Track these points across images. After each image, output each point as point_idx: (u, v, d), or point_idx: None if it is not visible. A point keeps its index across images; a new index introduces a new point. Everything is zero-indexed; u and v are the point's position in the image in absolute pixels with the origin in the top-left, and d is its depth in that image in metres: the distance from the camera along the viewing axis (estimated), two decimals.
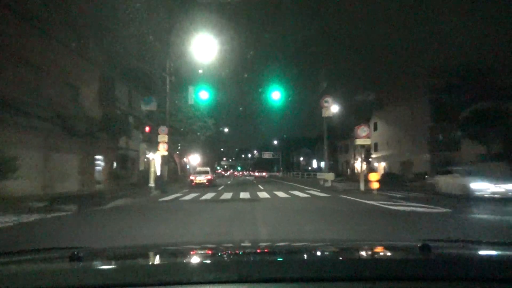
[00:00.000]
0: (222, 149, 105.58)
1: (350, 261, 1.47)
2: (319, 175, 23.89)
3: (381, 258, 1.63)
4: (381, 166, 43.48)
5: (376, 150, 44.48)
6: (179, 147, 27.88)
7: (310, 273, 1.23)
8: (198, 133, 27.14)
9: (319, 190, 18.43)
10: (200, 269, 1.32)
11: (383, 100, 41.48)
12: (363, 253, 1.77)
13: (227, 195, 16.42)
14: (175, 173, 29.39)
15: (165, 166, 23.22)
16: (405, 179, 31.03)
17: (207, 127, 28.06)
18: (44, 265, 1.48)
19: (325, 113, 19.61)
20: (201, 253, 1.81)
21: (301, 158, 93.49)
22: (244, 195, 16.61)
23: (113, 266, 1.46)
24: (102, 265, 1.48)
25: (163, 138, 22.26)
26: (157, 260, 1.60)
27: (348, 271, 1.24)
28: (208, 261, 1.55)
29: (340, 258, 1.62)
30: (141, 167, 25.23)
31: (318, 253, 1.79)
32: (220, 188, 23.23)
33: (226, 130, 66.10)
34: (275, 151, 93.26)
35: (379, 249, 1.91)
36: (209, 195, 16.56)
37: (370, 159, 44.70)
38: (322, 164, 79.77)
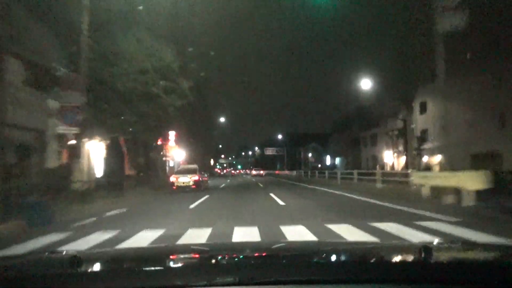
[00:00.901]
0: (220, 145, 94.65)
1: (350, 263, 1.49)
2: (420, 176, 10.48)
3: (381, 260, 1.58)
4: (432, 160, 31.48)
5: (424, 139, 32.52)
6: (132, 127, 15.84)
7: (310, 275, 1.21)
8: (162, 97, 15.09)
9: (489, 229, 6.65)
10: (199, 272, 1.29)
11: (439, 64, 29.36)
12: (363, 255, 1.73)
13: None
14: (121, 173, 17.59)
15: (75, 160, 11.45)
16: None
17: (179, 92, 16.11)
18: (43, 269, 1.46)
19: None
20: (200, 256, 1.79)
21: (310, 154, 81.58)
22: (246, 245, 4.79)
23: (112, 270, 1.45)
24: (101, 269, 1.47)
25: (70, 97, 10.54)
26: (155, 263, 1.57)
27: (348, 273, 1.22)
28: (208, 264, 1.52)
29: (340, 260, 1.60)
30: (52, 163, 13.43)
31: (318, 255, 1.73)
32: (196, 203, 11.58)
33: (222, 119, 54.48)
34: (279, 148, 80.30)
35: (379, 251, 1.87)
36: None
37: (416, 151, 32.67)
38: (337, 161, 67.67)
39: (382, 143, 42.73)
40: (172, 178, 18.41)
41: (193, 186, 17.54)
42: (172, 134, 32.44)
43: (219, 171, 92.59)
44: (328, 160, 66.92)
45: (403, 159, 36.31)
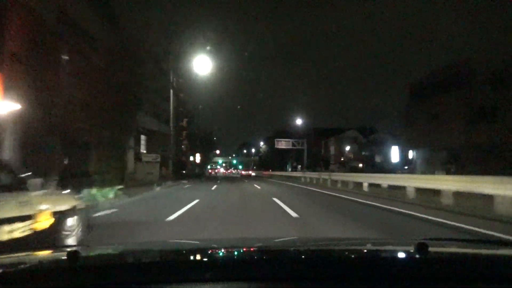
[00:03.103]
0: (215, 138, 68.44)
1: (346, 259, 1.45)
2: None
3: (378, 257, 1.55)
4: None
5: None
6: None
7: (307, 271, 1.19)
8: None
9: None
10: (199, 267, 1.28)
11: None
12: (360, 251, 1.71)
13: None
14: None
15: None
16: None
17: None
18: (42, 264, 1.44)
19: None
20: (200, 251, 1.74)
21: (348, 148, 54.45)
22: None
23: (111, 265, 1.39)
24: (100, 264, 1.42)
25: None
26: (155, 258, 1.57)
27: (344, 270, 1.20)
28: (208, 259, 1.50)
29: (337, 256, 1.55)
30: None
31: (312, 252, 1.69)
32: None
33: (204, 71, 27.94)
34: (297, 139, 50.78)
35: (376, 248, 1.86)
36: None
37: None
38: (411, 154, 39.33)
39: None
40: None
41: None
42: None
43: (211, 171, 76.26)
44: (394, 154, 39.33)
45: None
